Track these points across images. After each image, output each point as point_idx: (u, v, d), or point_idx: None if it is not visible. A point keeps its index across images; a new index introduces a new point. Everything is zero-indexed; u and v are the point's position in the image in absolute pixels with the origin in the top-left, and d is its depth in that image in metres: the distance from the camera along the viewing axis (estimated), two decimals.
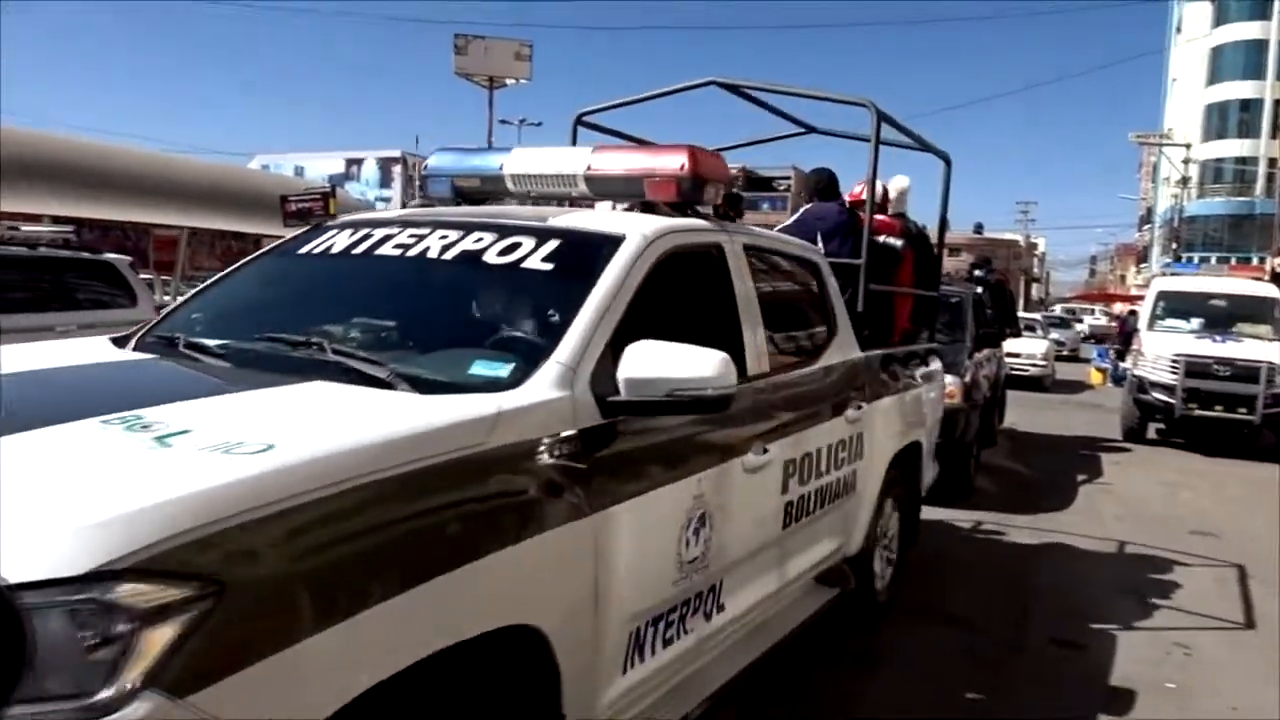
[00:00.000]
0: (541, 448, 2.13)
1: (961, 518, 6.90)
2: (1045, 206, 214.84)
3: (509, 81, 27.54)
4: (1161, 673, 4.24)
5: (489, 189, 3.51)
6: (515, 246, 2.77)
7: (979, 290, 9.76)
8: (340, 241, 3.04)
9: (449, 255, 2.79)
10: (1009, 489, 8.32)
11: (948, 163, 5.78)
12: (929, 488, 5.43)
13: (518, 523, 2.02)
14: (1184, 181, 48.29)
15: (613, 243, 2.75)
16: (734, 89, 5.16)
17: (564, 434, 2.21)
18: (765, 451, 3.10)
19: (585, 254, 2.73)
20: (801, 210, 5.43)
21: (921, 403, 4.95)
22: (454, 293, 2.95)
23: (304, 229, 3.32)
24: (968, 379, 7.53)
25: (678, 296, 2.94)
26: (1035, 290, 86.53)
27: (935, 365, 5.42)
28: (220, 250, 21.57)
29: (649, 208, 3.27)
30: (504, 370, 2.33)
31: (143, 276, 13.03)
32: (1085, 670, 4.22)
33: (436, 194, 3.62)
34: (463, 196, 3.57)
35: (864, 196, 4.84)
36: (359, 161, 29.29)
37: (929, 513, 6.85)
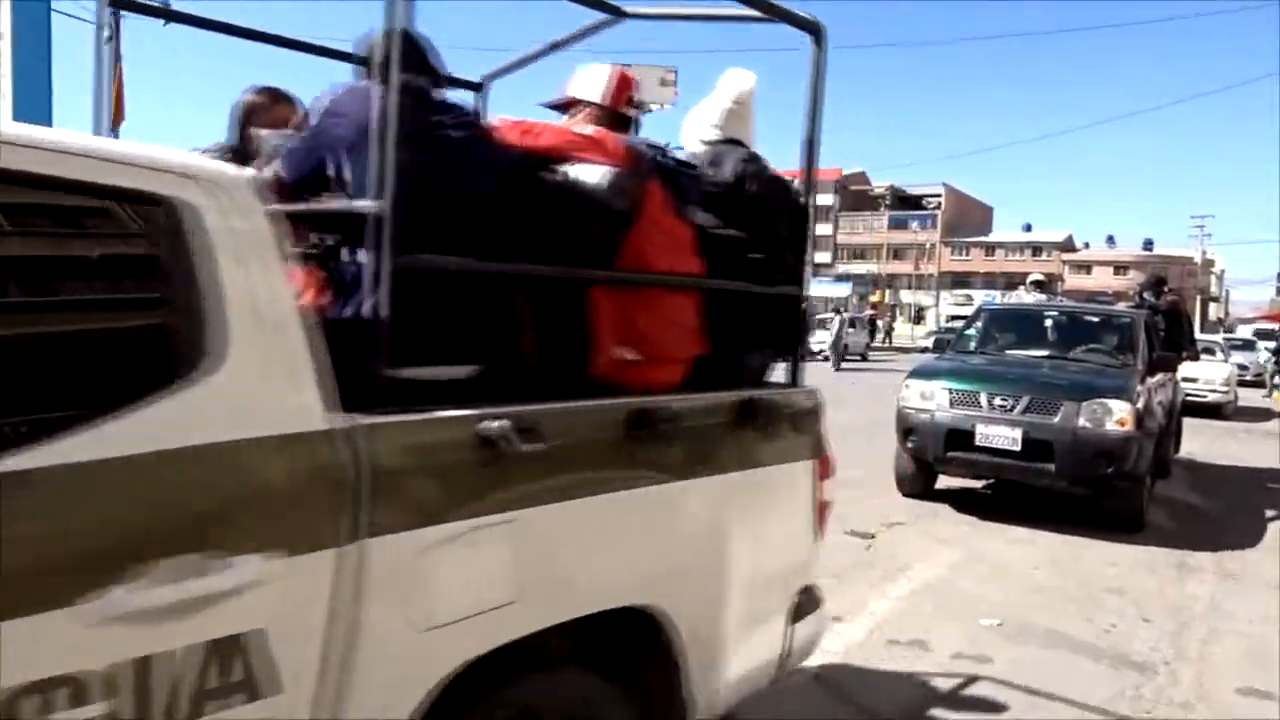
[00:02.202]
0: None
1: (1133, 553, 6.49)
2: (1224, 220, 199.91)
3: (653, 107, 28.02)
4: None
5: None
6: None
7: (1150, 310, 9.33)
8: None
9: None
10: (1186, 522, 7.75)
11: (817, 36, 2.82)
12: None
13: None
14: None
15: None
16: None
17: None
18: None
19: None
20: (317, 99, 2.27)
21: (665, 519, 2.29)
22: None
23: None
24: (1140, 405, 7.04)
25: None
26: (1214, 310, 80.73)
27: (787, 432, 2.71)
28: None
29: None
30: None
31: None
32: None
33: None
34: None
35: (582, 94, 2.75)
36: None
37: (1091, 543, 6.50)
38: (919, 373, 8.00)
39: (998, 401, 7.21)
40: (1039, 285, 11.36)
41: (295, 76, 2.85)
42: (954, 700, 3.91)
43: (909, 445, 7.64)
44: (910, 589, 5.45)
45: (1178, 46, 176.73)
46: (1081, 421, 6.86)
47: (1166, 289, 10.68)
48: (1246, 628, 5.08)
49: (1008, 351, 8.60)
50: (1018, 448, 6.96)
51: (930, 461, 7.59)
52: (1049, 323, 9.06)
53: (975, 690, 4.01)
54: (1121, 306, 10.24)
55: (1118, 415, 6.84)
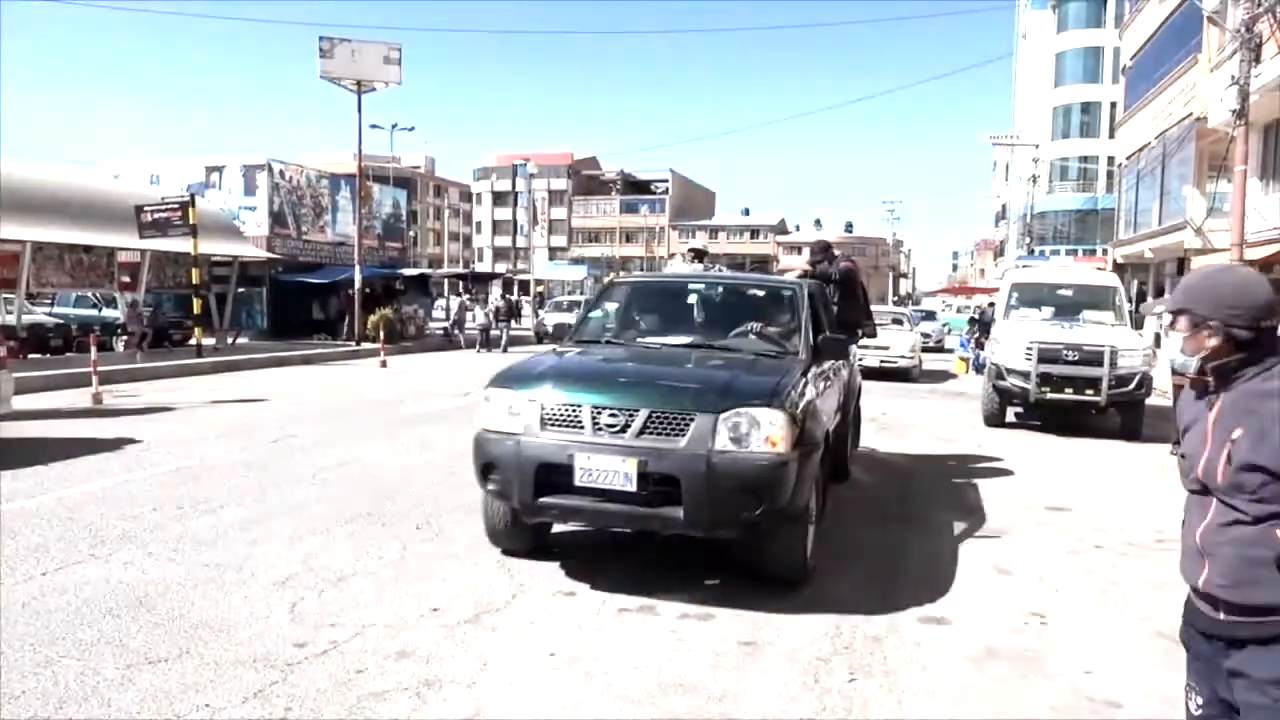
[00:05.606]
0: None
1: (840, 490, 7.14)
2: (912, 205, 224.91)
3: (378, 85, 26.88)
4: (1021, 641, 4.50)
5: None
6: None
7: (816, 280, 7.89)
8: None
9: None
10: (883, 476, 8.68)
11: None
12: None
13: None
14: (1034, 179, 51.38)
15: None
16: None
17: None
18: None
19: None
20: None
21: None
22: None
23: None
24: (800, 409, 5.09)
25: None
26: (904, 285, 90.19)
27: None
28: (71, 264, 20.24)
29: None
30: None
31: None
32: (952, 644, 4.43)
33: None
34: None
35: None
36: (220, 168, 27.75)
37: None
38: (506, 378, 5.48)
39: (606, 419, 4.93)
40: (698, 255, 9.20)
41: None
42: (679, 662, 4.12)
43: (490, 487, 5.28)
44: (641, 559, 5.68)
45: (875, 48, 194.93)
46: (718, 444, 4.78)
47: (836, 256, 8.78)
48: (925, 565, 5.77)
49: (646, 339, 6.48)
50: (632, 487, 4.79)
51: (517, 509, 5.24)
52: (696, 298, 6.93)
53: (700, 645, 4.26)
54: (790, 276, 8.03)
55: (767, 431, 4.81)
